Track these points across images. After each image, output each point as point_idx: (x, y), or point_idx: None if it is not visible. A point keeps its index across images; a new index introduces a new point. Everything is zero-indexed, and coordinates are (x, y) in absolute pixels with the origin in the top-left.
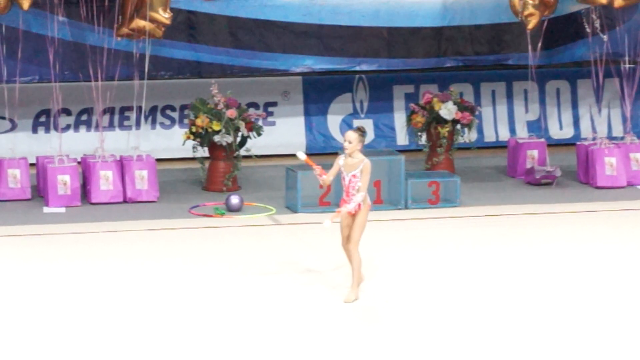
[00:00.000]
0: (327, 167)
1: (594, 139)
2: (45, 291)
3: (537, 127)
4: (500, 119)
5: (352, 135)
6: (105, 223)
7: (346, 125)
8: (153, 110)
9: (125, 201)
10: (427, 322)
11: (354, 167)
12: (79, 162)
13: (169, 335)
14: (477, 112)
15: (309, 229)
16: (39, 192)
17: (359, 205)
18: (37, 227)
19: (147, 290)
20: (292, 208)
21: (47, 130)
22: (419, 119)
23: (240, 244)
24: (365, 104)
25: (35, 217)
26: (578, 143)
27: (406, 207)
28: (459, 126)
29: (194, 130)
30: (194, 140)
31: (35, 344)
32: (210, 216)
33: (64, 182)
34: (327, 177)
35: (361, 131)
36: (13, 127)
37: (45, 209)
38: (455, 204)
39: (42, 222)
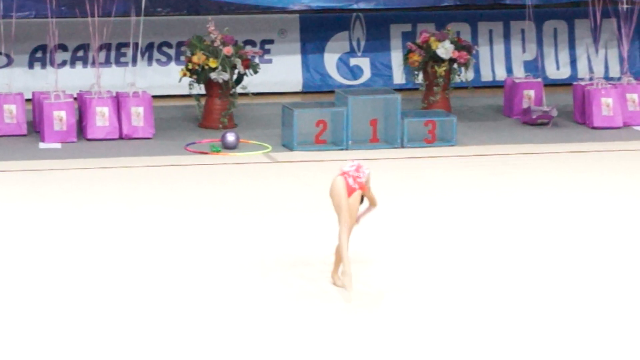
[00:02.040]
0: (325, 104)
1: (590, 79)
2: (40, 227)
3: (534, 67)
4: (497, 59)
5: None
6: (100, 159)
7: (343, 63)
8: (150, 47)
9: (121, 137)
10: (420, 265)
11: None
12: (75, 98)
13: (163, 276)
14: (474, 52)
15: (304, 167)
16: (35, 127)
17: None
18: (33, 163)
19: (141, 227)
20: (288, 146)
21: (44, 65)
22: (416, 57)
23: (235, 181)
24: (362, 43)
25: (31, 153)
26: (575, 83)
27: (402, 146)
28: (455, 65)
29: (190, 67)
30: (190, 77)
31: (28, 279)
32: (206, 153)
33: (60, 117)
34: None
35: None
36: (9, 63)
37: (41, 145)
38: (452, 143)
39: (37, 158)
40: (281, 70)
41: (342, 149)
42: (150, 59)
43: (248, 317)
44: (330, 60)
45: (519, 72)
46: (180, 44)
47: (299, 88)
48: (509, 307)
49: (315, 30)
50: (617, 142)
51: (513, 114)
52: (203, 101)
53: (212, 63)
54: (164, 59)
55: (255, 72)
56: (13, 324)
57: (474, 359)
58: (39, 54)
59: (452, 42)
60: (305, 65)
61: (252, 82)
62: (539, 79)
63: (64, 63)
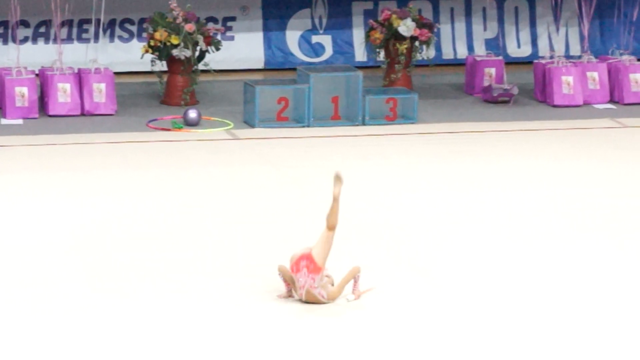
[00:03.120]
0: (287, 82)
1: (551, 57)
2: (1, 202)
3: (495, 45)
4: (458, 37)
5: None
6: (63, 135)
7: (304, 41)
8: (112, 24)
9: (83, 114)
10: (383, 240)
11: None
12: (36, 75)
13: (122, 256)
14: (435, 30)
15: (266, 144)
16: None
17: None
18: None
19: (103, 205)
20: (249, 123)
21: (5, 42)
22: (377, 35)
23: (197, 157)
24: (324, 20)
25: None
26: (535, 61)
27: (364, 123)
28: (417, 43)
29: (152, 44)
30: (152, 54)
31: None
32: (168, 130)
33: (22, 94)
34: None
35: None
36: None
37: (3, 121)
38: (413, 121)
39: None
40: (243, 47)
41: (303, 126)
42: (112, 36)
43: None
44: (292, 37)
45: (480, 50)
46: (142, 21)
47: (260, 65)
48: (474, 286)
49: (277, 8)
50: (578, 120)
51: (474, 92)
52: (165, 78)
53: (174, 40)
54: (126, 35)
55: (217, 49)
56: None
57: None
58: (0, 30)
59: (413, 20)
60: (267, 42)
61: (214, 59)
62: (500, 57)
63: (25, 39)
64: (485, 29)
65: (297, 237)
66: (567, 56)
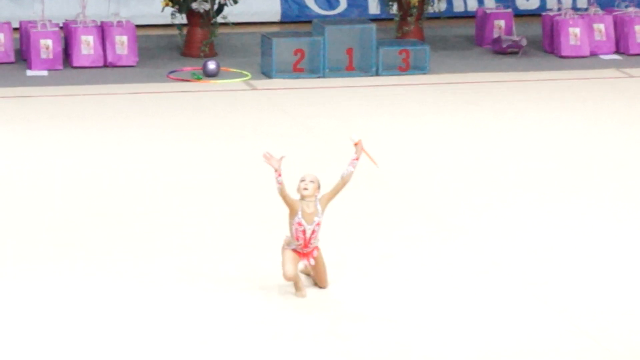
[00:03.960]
0: (302, 34)
1: (559, 9)
2: (26, 151)
3: None
4: None
5: (314, 176)
6: (86, 86)
7: None
8: None
9: (105, 65)
10: (395, 188)
11: (315, 213)
12: (61, 28)
13: (143, 205)
14: None
15: (282, 94)
16: (22, 55)
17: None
18: (21, 90)
19: (126, 154)
20: (266, 74)
21: None
22: None
23: (216, 107)
24: None
25: (19, 80)
26: (543, 14)
27: (377, 74)
28: None
29: None
30: (172, 7)
31: (16, 199)
32: (188, 81)
33: (47, 46)
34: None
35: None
36: None
37: (29, 72)
38: (424, 71)
39: (25, 85)
40: (260, 1)
41: (319, 77)
42: None
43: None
44: None
45: (490, 3)
46: None
47: (277, 18)
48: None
49: None
50: (584, 71)
51: (484, 44)
52: (185, 30)
53: None
54: None
55: (235, 2)
56: None
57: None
58: None
59: None
60: None
61: (232, 12)
62: (509, 10)
63: None
64: None
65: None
66: (575, 8)
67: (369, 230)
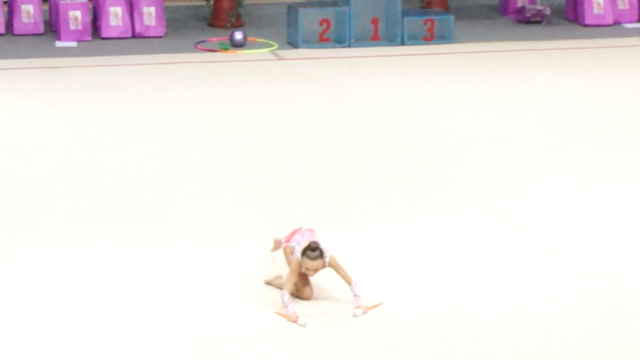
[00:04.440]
0: (328, 4)
1: None
2: (56, 122)
3: None
4: None
5: (319, 265)
6: (114, 57)
7: None
8: None
9: (133, 36)
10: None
11: (320, 267)
12: None
13: (169, 176)
14: None
15: (308, 63)
16: (51, 27)
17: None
18: (50, 60)
19: (154, 123)
20: (293, 44)
21: None
22: None
23: (243, 77)
24: None
25: (48, 51)
26: None
27: (402, 43)
28: None
29: None
30: None
31: (46, 168)
32: (215, 51)
33: (76, 17)
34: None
35: (321, 253)
36: None
37: (58, 43)
38: (449, 41)
39: (54, 56)
40: None
41: (344, 47)
42: None
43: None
44: None
45: None
46: None
47: None
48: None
49: None
50: (607, 39)
51: (508, 13)
52: (212, 1)
53: None
54: None
55: None
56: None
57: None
58: None
59: None
60: None
61: None
62: None
63: None
64: None
65: (338, 150)
66: None
67: (394, 198)
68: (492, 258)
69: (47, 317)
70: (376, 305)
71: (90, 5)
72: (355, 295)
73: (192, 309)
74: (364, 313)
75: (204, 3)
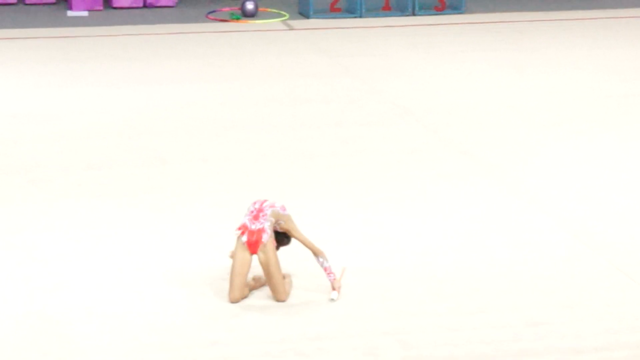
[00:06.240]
0: None
1: None
2: (68, 91)
3: None
4: None
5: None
6: (125, 27)
7: None
8: None
9: (145, 6)
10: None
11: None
12: None
13: (181, 146)
14: None
15: (320, 33)
16: None
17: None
18: (62, 30)
19: (164, 91)
20: (304, 14)
21: None
22: None
23: (254, 47)
24: None
25: (60, 21)
26: None
27: (413, 14)
28: None
29: None
30: None
31: (56, 138)
32: (226, 21)
33: None
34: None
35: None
36: None
37: (69, 13)
38: (460, 11)
39: (66, 25)
40: None
41: (356, 17)
42: None
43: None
44: None
45: None
46: None
47: None
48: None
49: None
50: (622, 9)
51: None
52: None
53: None
54: None
55: None
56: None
57: None
58: None
59: None
60: None
61: None
62: None
63: None
64: None
65: (349, 118)
66: None
67: (404, 167)
68: (503, 227)
69: (58, 283)
70: (342, 273)
71: None
72: (325, 269)
73: (203, 278)
74: (338, 291)
75: None
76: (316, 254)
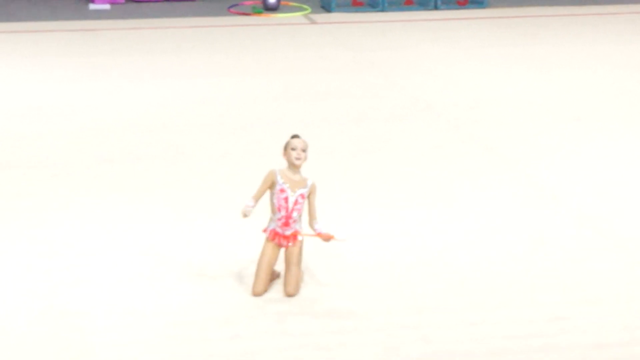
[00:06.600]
0: None
1: None
2: (90, 84)
3: None
4: None
5: (305, 144)
6: (148, 20)
7: None
8: None
9: (167, 0)
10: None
11: (301, 184)
12: None
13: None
14: None
15: (342, 28)
16: None
17: (296, 237)
18: (84, 23)
19: (186, 84)
20: (326, 7)
21: None
22: None
23: (276, 41)
24: None
25: (82, 14)
26: None
27: (436, 8)
28: None
29: None
30: None
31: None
32: (248, 14)
33: None
34: (250, 207)
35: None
36: None
37: (91, 6)
38: (483, 6)
39: (88, 18)
40: None
41: (378, 11)
42: None
43: None
44: None
45: None
46: None
47: None
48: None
49: None
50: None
51: None
52: None
53: None
54: None
55: None
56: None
57: None
58: None
59: None
60: None
61: None
62: None
63: None
64: None
65: (372, 114)
66: None
67: (426, 162)
68: (523, 223)
69: (79, 277)
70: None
71: None
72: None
73: (223, 272)
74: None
75: None
76: (314, 218)
